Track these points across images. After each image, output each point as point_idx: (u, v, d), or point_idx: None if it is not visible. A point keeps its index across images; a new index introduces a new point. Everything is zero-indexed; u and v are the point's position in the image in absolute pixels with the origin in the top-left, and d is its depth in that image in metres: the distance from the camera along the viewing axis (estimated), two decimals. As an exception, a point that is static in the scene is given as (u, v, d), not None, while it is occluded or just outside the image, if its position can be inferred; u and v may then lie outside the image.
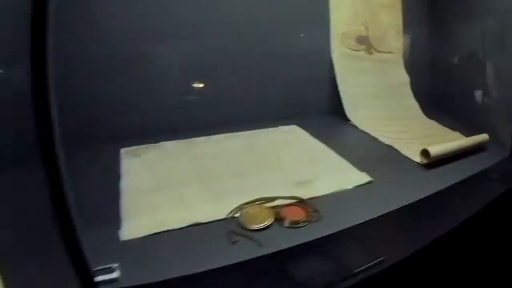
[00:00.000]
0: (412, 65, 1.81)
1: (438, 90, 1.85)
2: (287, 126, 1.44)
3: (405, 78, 1.77)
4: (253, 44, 1.39)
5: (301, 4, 1.48)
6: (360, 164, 1.13)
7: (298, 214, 0.87)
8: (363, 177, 1.06)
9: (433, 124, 1.66)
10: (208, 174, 1.05)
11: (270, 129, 1.41)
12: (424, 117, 1.72)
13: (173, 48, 1.28)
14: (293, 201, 0.92)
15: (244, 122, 1.39)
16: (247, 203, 0.90)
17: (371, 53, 1.68)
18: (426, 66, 1.87)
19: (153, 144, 1.20)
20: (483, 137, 1.39)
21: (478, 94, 1.67)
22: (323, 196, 0.95)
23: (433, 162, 1.17)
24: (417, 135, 1.47)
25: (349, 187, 1.01)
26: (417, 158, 1.20)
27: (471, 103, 1.69)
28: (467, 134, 1.41)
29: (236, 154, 1.19)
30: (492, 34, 1.54)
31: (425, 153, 1.18)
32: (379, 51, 1.70)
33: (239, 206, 0.88)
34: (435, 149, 1.19)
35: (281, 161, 1.15)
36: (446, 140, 1.31)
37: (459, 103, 1.76)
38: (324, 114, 1.58)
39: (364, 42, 1.65)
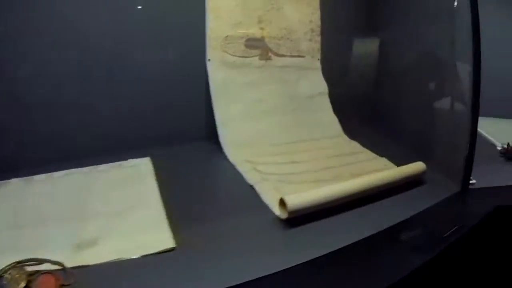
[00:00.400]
0: (337, 71, 1.42)
1: (371, 102, 1.45)
2: (139, 159, 1.18)
3: (321, 87, 1.40)
4: (105, 62, 1.14)
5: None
6: (185, 218, 0.85)
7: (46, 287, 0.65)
8: (163, 242, 0.77)
9: (354, 146, 1.29)
10: (12, 220, 0.85)
11: (118, 164, 1.15)
12: (345, 137, 1.35)
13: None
14: (57, 267, 0.70)
15: (100, 154, 1.15)
16: (19, 262, 0.70)
17: (268, 59, 1.32)
18: (356, 73, 1.46)
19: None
20: (417, 167, 1.04)
21: (418, 107, 1.28)
22: (97, 265, 0.70)
23: (297, 217, 0.84)
24: (319, 166, 1.13)
25: (135, 256, 0.75)
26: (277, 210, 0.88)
27: (410, 118, 1.30)
28: (404, 157, 1.08)
29: (57, 197, 0.96)
30: (439, 37, 1.14)
31: (283, 203, 0.84)
32: (282, 55, 1.34)
33: (10, 265, 0.69)
34: (298, 199, 0.84)
35: (90, 208, 0.91)
36: (366, 170, 1.03)
37: (395, 118, 1.36)
38: (202, 140, 1.29)
39: (258, 46, 1.30)
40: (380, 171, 1.02)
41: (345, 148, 1.27)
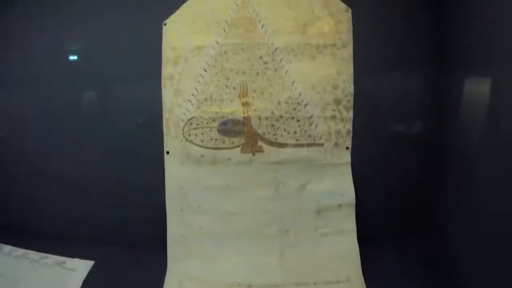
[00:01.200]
0: (375, 167, 0.86)
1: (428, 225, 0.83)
2: (83, 261, 0.88)
3: (344, 195, 0.85)
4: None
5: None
6: None
7: None
8: None
9: None
10: None
11: (62, 259, 0.89)
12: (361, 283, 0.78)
13: None
14: None
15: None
16: None
17: (257, 151, 0.84)
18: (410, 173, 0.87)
19: None
20: None
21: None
22: None
23: None
24: None
25: None
26: None
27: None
28: None
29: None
30: None
31: None
32: (281, 144, 0.84)
33: None
34: None
35: None
36: None
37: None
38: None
39: (239, 131, 0.84)
40: None
41: None
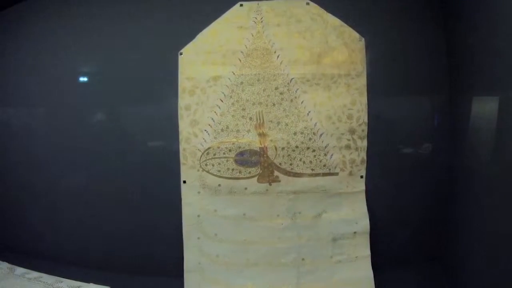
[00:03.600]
0: (390, 196, 0.87)
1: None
2: (100, 286, 0.89)
3: (359, 223, 0.86)
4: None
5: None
6: None
7: None
8: None
9: None
10: None
11: (77, 284, 0.90)
12: None
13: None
14: None
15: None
16: None
17: (273, 181, 0.85)
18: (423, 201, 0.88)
19: None
20: None
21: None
22: None
23: None
24: None
25: None
26: None
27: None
28: None
29: None
30: None
31: None
32: (297, 174, 0.85)
33: None
34: None
35: None
36: None
37: None
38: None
39: (256, 162, 0.85)
40: None
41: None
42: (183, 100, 0.86)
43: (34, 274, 0.94)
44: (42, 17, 0.93)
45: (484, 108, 0.76)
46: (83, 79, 0.92)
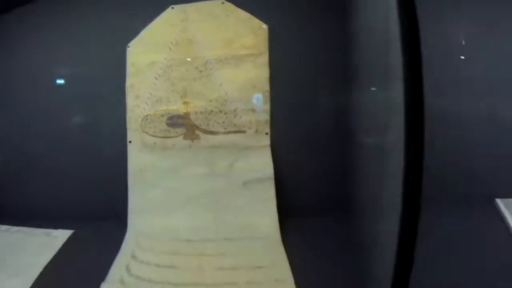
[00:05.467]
0: (294, 148, 1.08)
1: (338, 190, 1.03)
2: (64, 230, 1.11)
3: (265, 171, 1.07)
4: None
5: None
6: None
7: None
8: None
9: (278, 256, 0.94)
10: None
11: (47, 231, 1.13)
12: (277, 240, 0.99)
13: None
14: None
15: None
16: None
17: (195, 138, 1.10)
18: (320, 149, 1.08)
19: None
20: None
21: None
22: None
23: None
24: (210, 279, 0.86)
25: None
26: None
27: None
28: None
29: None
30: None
31: None
32: (212, 132, 1.09)
33: None
34: None
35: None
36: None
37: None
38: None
39: (181, 124, 1.10)
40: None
41: (264, 259, 0.91)
42: (129, 80, 1.13)
43: (15, 228, 1.14)
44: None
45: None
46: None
